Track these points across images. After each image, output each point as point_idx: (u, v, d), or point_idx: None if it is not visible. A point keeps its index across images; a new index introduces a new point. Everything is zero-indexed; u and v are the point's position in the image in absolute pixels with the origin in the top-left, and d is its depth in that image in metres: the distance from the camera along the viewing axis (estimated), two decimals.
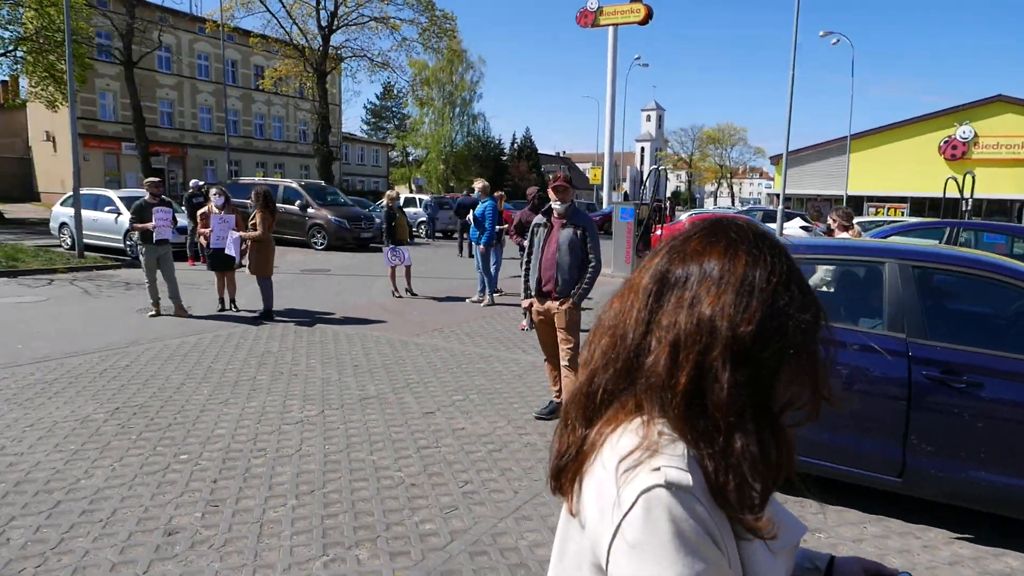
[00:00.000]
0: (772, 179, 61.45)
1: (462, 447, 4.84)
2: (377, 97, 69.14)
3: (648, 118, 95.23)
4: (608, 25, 35.84)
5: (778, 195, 27.20)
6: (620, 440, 0.84)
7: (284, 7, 30.92)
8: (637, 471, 0.79)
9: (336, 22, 31.60)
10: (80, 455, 4.48)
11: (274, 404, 5.65)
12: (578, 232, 5.10)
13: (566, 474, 0.92)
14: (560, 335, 5.18)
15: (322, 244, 19.41)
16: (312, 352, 7.47)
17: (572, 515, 0.89)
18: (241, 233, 9.16)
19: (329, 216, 19.48)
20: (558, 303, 5.14)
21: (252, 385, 6.17)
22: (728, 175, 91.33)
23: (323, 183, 25.25)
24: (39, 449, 4.56)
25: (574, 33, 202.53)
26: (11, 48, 24.56)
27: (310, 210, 19.63)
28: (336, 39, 32.58)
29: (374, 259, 16.95)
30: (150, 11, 34.01)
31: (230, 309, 9.68)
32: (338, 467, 4.40)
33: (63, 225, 16.96)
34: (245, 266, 9.26)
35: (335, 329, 8.72)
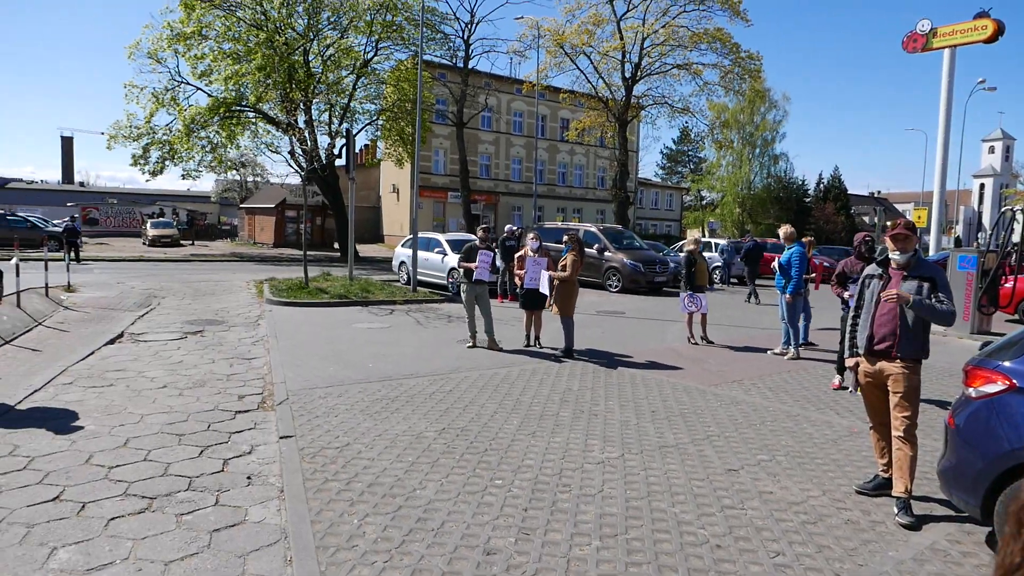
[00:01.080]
0: None
1: (771, 513, 4.47)
2: (674, 142, 69.74)
3: (991, 149, 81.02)
4: (944, 48, 31.50)
5: None
6: None
7: (592, 63, 33.01)
8: None
9: (639, 73, 32.74)
10: (415, 467, 5.11)
11: (576, 442, 5.85)
12: (923, 285, 4.44)
13: None
14: (894, 400, 4.54)
15: (616, 287, 19.91)
16: (610, 393, 7.62)
17: None
18: (551, 273, 9.82)
19: (624, 260, 19.96)
20: (894, 365, 4.52)
21: (556, 421, 6.48)
22: None
23: (620, 227, 26.05)
24: (385, 457, 5.31)
25: (893, 61, 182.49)
26: (375, 118, 30.28)
27: (607, 253, 20.34)
28: (638, 88, 33.79)
29: (667, 303, 16.87)
30: (479, 78, 39.03)
31: (534, 345, 10.37)
32: (640, 514, 4.37)
33: (402, 263, 19.90)
34: (553, 303, 9.88)
35: (631, 372, 8.80)
